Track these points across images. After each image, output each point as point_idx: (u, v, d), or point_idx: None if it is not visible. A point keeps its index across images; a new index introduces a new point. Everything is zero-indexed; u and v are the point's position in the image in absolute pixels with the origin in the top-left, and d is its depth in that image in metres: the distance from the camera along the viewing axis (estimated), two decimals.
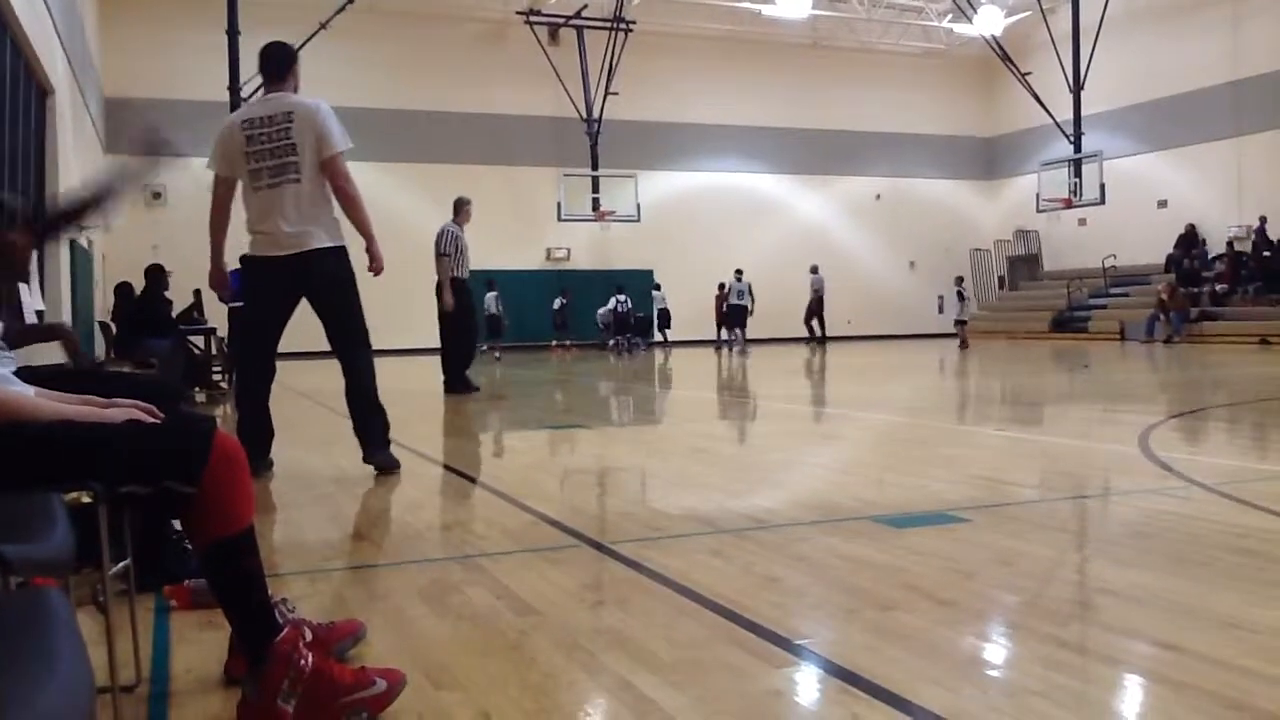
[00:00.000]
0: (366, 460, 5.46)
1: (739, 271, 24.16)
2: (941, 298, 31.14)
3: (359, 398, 5.53)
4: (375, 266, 5.49)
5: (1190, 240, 25.06)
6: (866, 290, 29.90)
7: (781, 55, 29.22)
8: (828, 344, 25.30)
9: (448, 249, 10.95)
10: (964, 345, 21.99)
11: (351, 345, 5.52)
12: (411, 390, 11.66)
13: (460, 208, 11.24)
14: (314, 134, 5.23)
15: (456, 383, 11.21)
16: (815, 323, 25.82)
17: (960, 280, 24.28)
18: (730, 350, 22.06)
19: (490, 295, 23.16)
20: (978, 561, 3.37)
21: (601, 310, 25.40)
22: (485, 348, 22.67)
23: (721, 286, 26.26)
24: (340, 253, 5.38)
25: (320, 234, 5.29)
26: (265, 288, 5.36)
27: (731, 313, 23.90)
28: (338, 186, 5.30)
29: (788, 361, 18.70)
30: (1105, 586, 3.14)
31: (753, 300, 23.98)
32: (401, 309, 16.43)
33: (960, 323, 22.83)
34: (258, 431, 5.43)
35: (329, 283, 5.37)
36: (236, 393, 5.52)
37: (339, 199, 5.33)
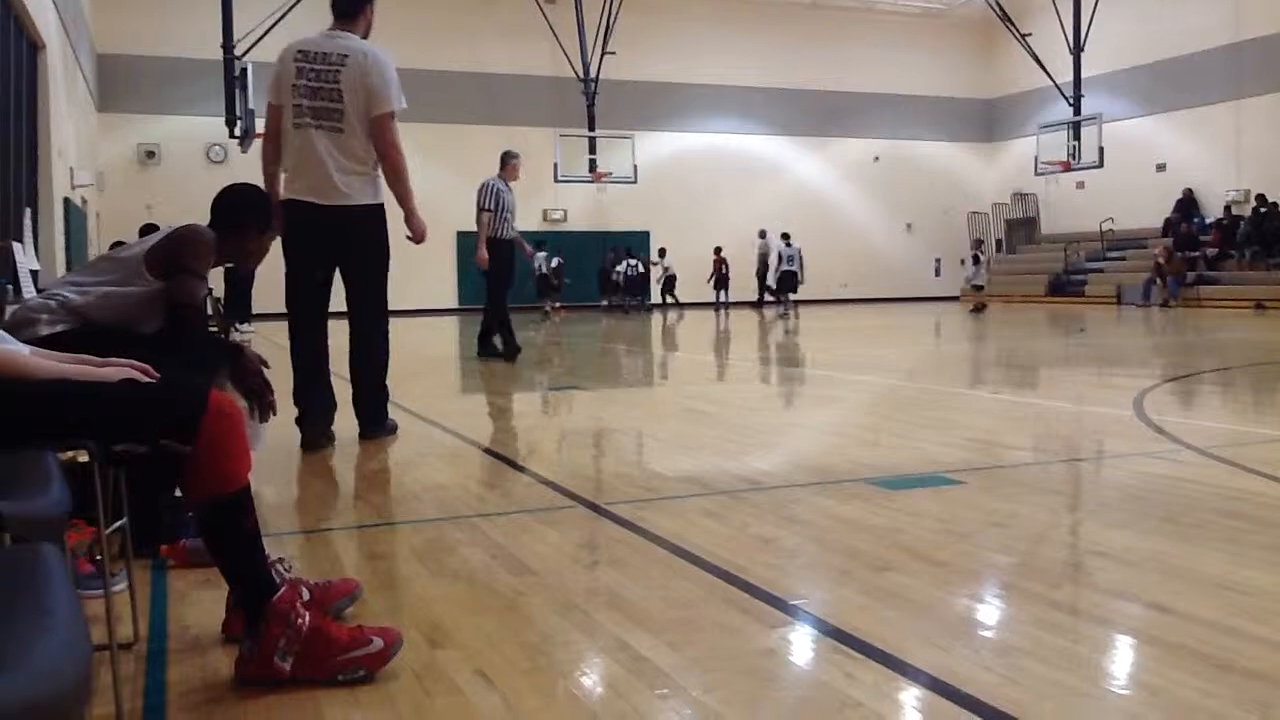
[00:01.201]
0: (364, 438, 5.24)
1: (786, 235, 22.96)
2: (939, 260, 31.09)
3: (367, 371, 5.27)
4: (417, 237, 5.24)
5: (1189, 204, 25.00)
6: (863, 253, 29.86)
7: (780, 15, 28.98)
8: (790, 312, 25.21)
9: (488, 204, 10.12)
10: (979, 309, 21.30)
11: (372, 314, 5.24)
12: (405, 351, 11.65)
13: (506, 162, 10.45)
14: (365, 87, 4.93)
15: (482, 345, 10.69)
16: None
17: (979, 244, 23.86)
18: (781, 316, 20.66)
19: (540, 255, 22.99)
20: (971, 523, 3.39)
21: (619, 270, 25.26)
22: (549, 308, 22.78)
23: (718, 250, 26.17)
24: (380, 213, 5.10)
25: (364, 190, 5.02)
26: (308, 237, 5.04)
27: (783, 280, 22.48)
28: (383, 152, 5.03)
29: (786, 323, 18.70)
30: (1097, 548, 3.16)
31: (803, 267, 22.78)
32: (399, 269, 16.32)
33: (977, 287, 22.31)
34: (314, 399, 5.11)
35: (365, 243, 5.10)
36: (292, 362, 5.14)
37: (382, 162, 5.06)
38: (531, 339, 14.17)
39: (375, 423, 5.29)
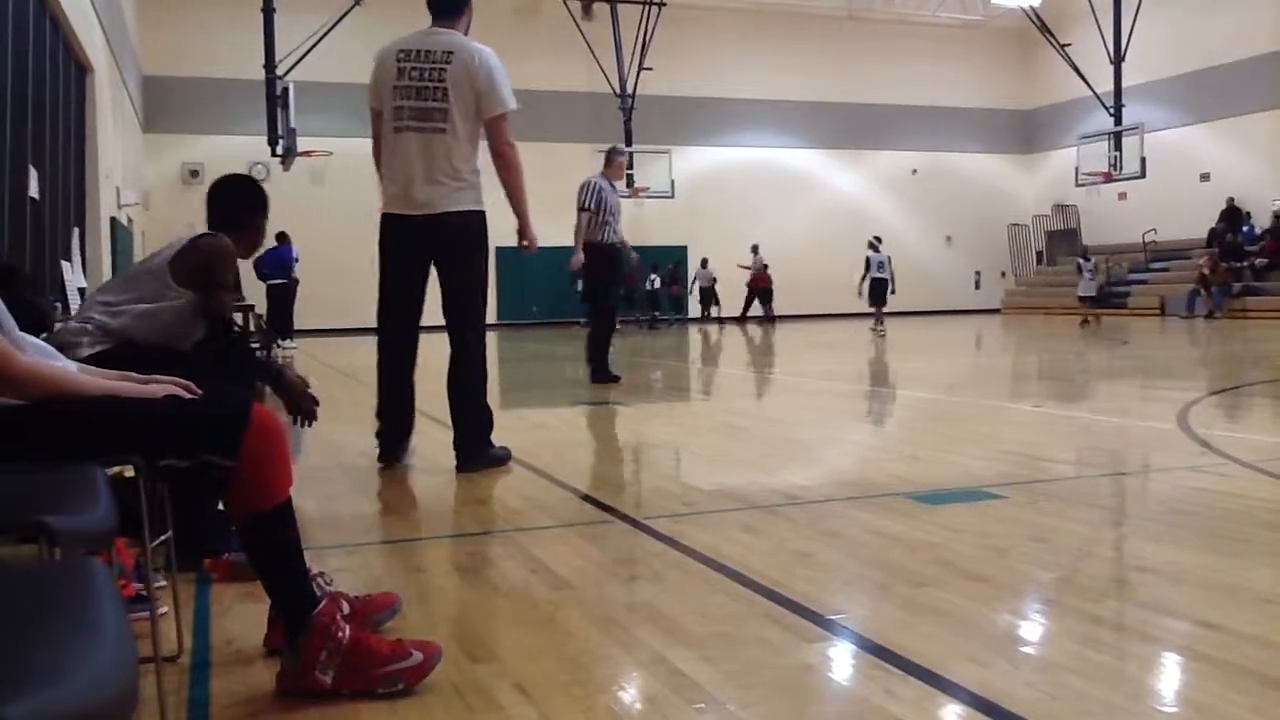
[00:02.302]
0: (463, 470, 4.83)
1: (877, 240, 20.78)
2: (979, 273, 30.84)
3: (459, 390, 4.95)
4: (529, 246, 5.05)
5: (1233, 215, 24.63)
6: (902, 266, 29.46)
7: (816, 28, 28.94)
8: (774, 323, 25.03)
9: (587, 203, 9.16)
10: (1086, 322, 20.30)
11: (463, 325, 4.92)
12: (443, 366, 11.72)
13: (611, 159, 9.57)
14: (473, 86, 4.70)
15: (597, 369, 9.33)
16: (758, 302, 25.81)
17: (1086, 250, 22.96)
18: (875, 331, 18.64)
19: (653, 276, 22.92)
20: (1012, 538, 3.35)
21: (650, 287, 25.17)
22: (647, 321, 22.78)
23: (764, 265, 26.03)
24: (479, 219, 4.85)
25: (460, 195, 4.75)
26: (395, 251, 4.85)
27: (874, 288, 19.66)
28: (499, 151, 4.80)
29: (821, 337, 18.62)
30: (1141, 563, 3.12)
31: (893, 277, 20.15)
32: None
33: (1085, 299, 21.24)
34: (395, 415, 4.95)
35: (459, 249, 4.81)
36: (377, 372, 5.01)
37: (497, 164, 4.83)
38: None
39: (471, 454, 4.89)
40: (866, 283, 19.43)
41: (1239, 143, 25.01)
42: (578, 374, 11.58)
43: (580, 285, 23.15)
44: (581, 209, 9.22)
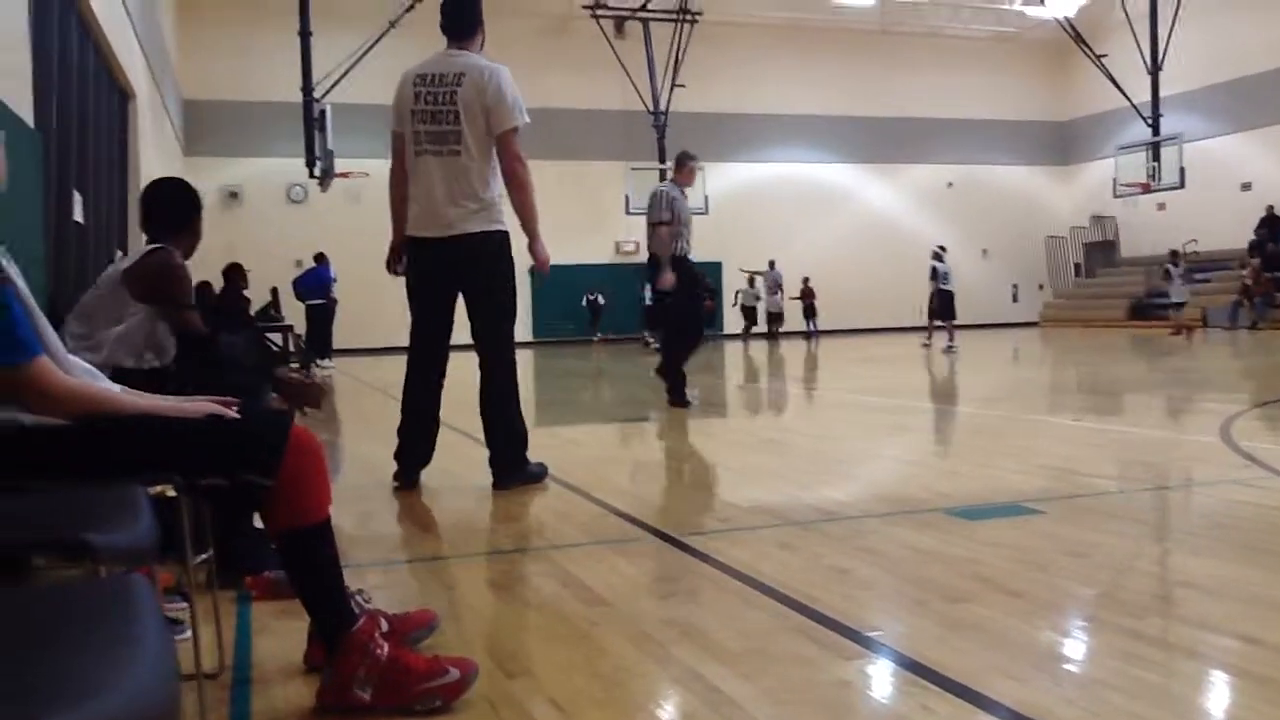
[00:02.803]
0: (499, 488, 4.85)
1: (941, 249, 19.05)
2: (1015, 286, 30.59)
3: (491, 408, 4.96)
4: (541, 266, 4.96)
5: (1273, 223, 24.29)
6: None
7: (849, 42, 28.92)
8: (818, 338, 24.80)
9: (664, 214, 8.39)
10: (1178, 332, 19.19)
11: (491, 346, 4.95)
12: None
13: (683, 164, 8.92)
14: (483, 103, 4.71)
15: (675, 391, 8.52)
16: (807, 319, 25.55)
17: (1175, 255, 21.06)
18: (946, 349, 17.10)
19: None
20: (1051, 553, 3.32)
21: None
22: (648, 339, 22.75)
23: (805, 280, 25.77)
24: (502, 239, 4.83)
25: (480, 216, 4.74)
26: (422, 273, 4.88)
27: (942, 301, 18.00)
28: (508, 166, 4.78)
29: (857, 352, 18.54)
30: (1183, 578, 3.08)
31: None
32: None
33: (1176, 306, 19.97)
34: (414, 438, 4.96)
35: (483, 269, 4.82)
36: (402, 395, 5.07)
37: (506, 180, 4.82)
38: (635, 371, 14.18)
39: (508, 472, 4.89)
40: (934, 295, 17.94)
41: (1277, 151, 24.67)
42: (616, 391, 11.60)
43: (647, 300, 23.10)
44: (659, 222, 8.42)
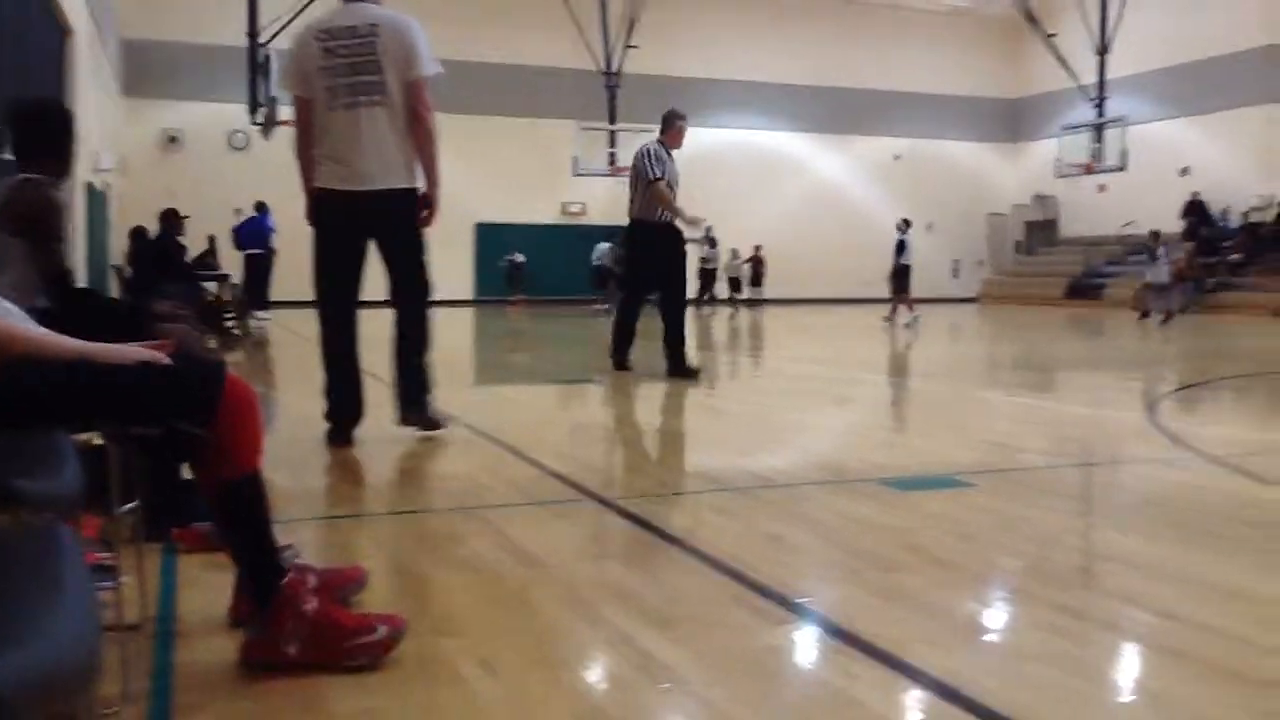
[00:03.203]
0: (404, 422, 4.99)
1: (905, 222, 18.90)
2: (957, 262, 30.93)
3: (408, 354, 5.01)
4: (430, 215, 4.91)
5: (1198, 209, 24.74)
6: (883, 252, 29.65)
7: (805, 11, 28.87)
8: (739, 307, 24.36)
9: (659, 171, 8.03)
10: (1150, 315, 18.00)
11: (413, 297, 5.01)
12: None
13: (670, 123, 8.47)
14: (403, 52, 4.70)
15: (675, 363, 8.00)
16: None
17: (1156, 236, 19.53)
18: (901, 322, 16.98)
19: (603, 246, 22.09)
20: (981, 526, 3.38)
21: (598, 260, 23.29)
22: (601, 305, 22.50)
23: (757, 248, 25.61)
24: (415, 196, 4.85)
25: (402, 171, 4.77)
26: (338, 226, 4.83)
27: (898, 275, 17.92)
28: (417, 114, 4.77)
29: (799, 321, 18.66)
30: (1108, 553, 3.15)
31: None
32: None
33: (1156, 287, 18.64)
34: (345, 397, 4.92)
35: (399, 227, 4.86)
36: (322, 352, 5.00)
37: (413, 129, 4.79)
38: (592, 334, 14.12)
39: (415, 405, 5.03)
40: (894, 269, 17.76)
41: (1220, 138, 25.14)
42: (555, 353, 11.56)
43: (595, 261, 22.66)
44: (655, 179, 8.02)
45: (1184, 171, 25.59)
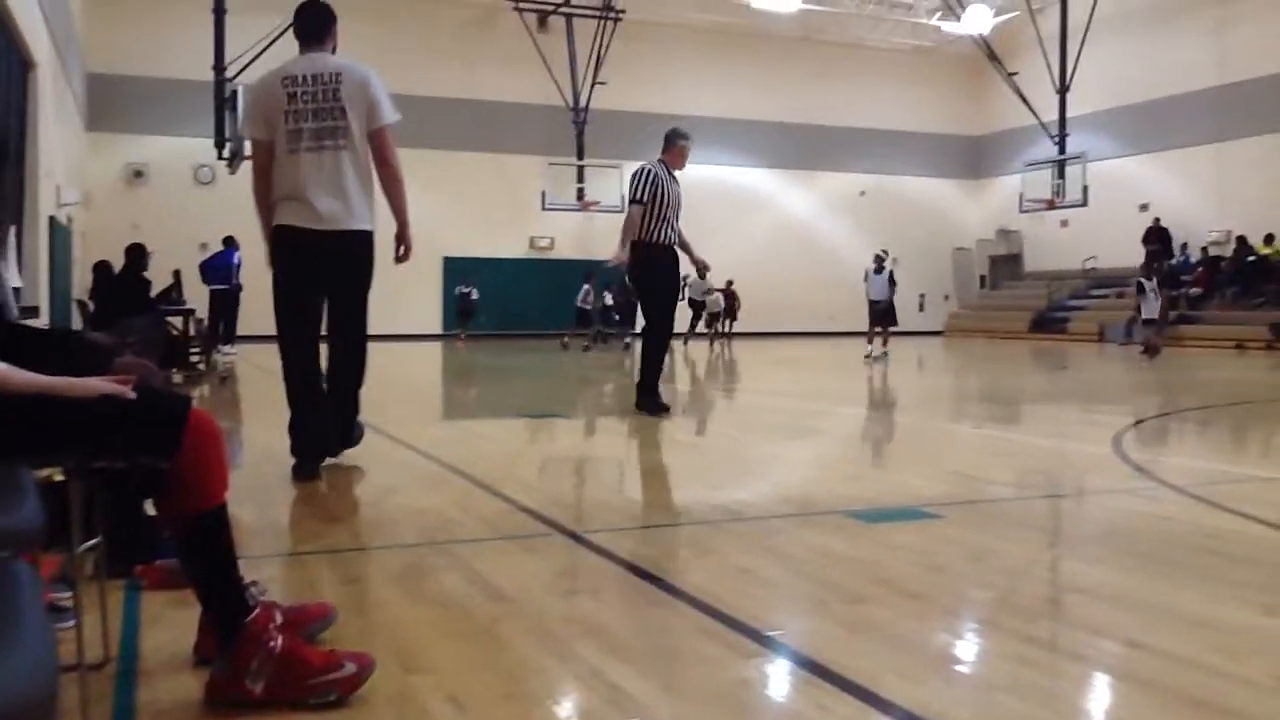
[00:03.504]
0: (333, 455, 5.15)
1: (883, 256, 18.26)
2: (923, 296, 31.20)
3: (347, 387, 5.16)
4: (405, 254, 5.10)
5: (1160, 235, 25.13)
6: (847, 286, 29.90)
7: (770, 49, 29.19)
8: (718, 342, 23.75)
9: (641, 194, 7.84)
10: (1149, 351, 17.20)
11: (352, 338, 5.14)
12: (388, 376, 11.62)
13: (672, 142, 8.24)
14: (365, 100, 4.89)
15: (646, 397, 7.82)
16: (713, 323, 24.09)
17: (1153, 266, 18.91)
18: (875, 353, 16.89)
19: (586, 288, 21.96)
20: (949, 557, 3.39)
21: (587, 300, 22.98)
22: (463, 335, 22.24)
23: (729, 283, 25.31)
24: (371, 239, 5.02)
25: (361, 213, 4.92)
26: (298, 263, 4.93)
27: (875, 312, 17.35)
28: (384, 160, 4.98)
29: (771, 355, 18.73)
30: (1075, 584, 3.17)
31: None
32: (387, 294, 16.23)
33: (1151, 323, 17.96)
34: (311, 431, 4.99)
35: (354, 268, 5.00)
36: (287, 389, 5.06)
37: (382, 174, 4.99)
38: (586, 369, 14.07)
39: (345, 442, 5.22)
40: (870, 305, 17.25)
41: (1177, 175, 25.61)
42: (523, 386, 11.53)
43: (606, 298, 22.22)
44: (634, 200, 7.84)
45: (1144, 207, 26.02)
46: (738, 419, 8.66)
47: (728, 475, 5.31)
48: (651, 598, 2.93)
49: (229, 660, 2.11)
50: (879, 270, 17.46)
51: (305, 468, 4.91)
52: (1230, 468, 5.80)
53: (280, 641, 2.13)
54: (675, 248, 7.93)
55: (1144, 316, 18.38)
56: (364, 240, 4.98)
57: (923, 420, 8.22)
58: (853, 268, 30.31)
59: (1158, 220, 25.27)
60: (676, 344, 22.24)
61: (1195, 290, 23.51)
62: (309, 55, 5.00)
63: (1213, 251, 24.16)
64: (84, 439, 1.98)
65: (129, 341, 3.38)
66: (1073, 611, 2.87)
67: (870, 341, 17.35)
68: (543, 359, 16.97)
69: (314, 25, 5.07)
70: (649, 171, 7.87)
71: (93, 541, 2.39)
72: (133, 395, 2.09)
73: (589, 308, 22.28)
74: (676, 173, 8.08)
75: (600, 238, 27.45)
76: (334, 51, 5.10)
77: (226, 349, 15.99)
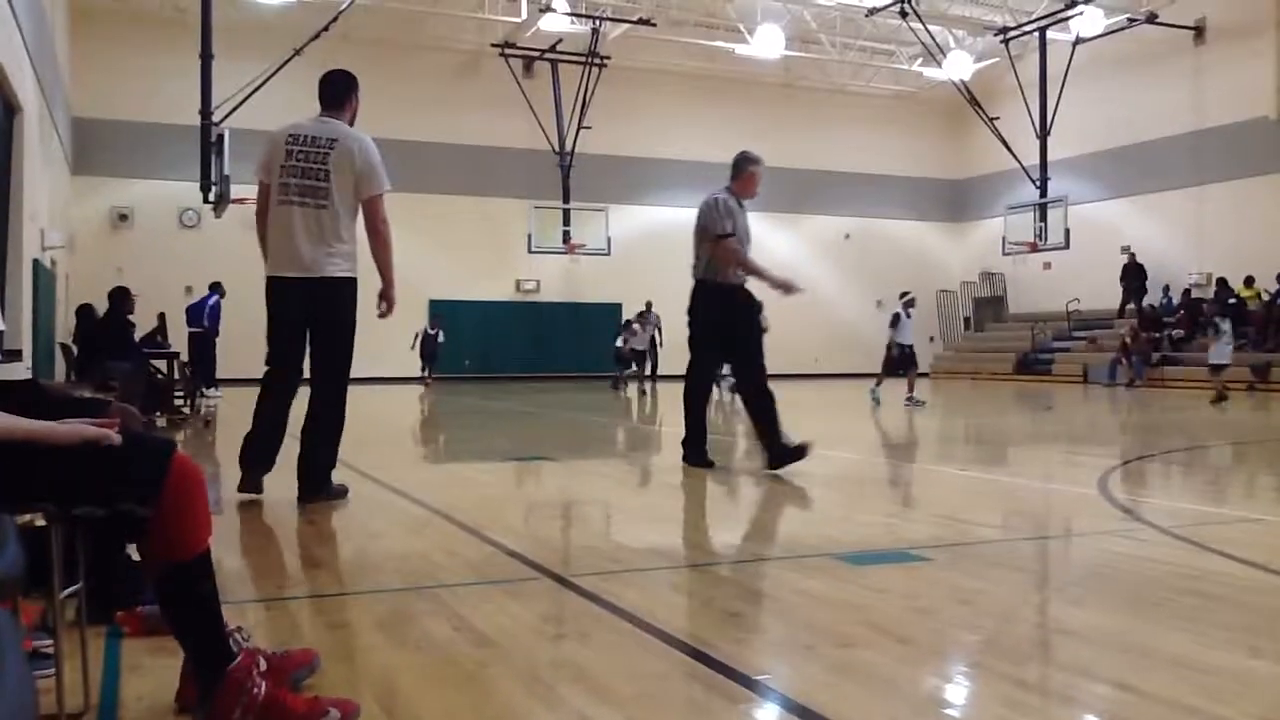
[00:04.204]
0: (302, 502, 5.28)
1: (906, 297, 17.19)
2: None
3: (323, 434, 5.40)
4: (388, 310, 5.49)
5: (1137, 271, 25.36)
6: (833, 329, 30.07)
7: (754, 94, 29.48)
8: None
9: (727, 226, 6.89)
10: (1221, 398, 15.59)
11: (333, 382, 5.46)
12: (372, 419, 11.57)
13: (743, 169, 7.21)
14: (353, 170, 5.30)
15: (775, 448, 6.97)
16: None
17: (1223, 310, 17.69)
18: (916, 401, 15.93)
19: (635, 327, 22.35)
20: (937, 600, 3.38)
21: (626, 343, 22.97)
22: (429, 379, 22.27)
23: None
24: (353, 285, 5.40)
25: (339, 262, 5.31)
26: (284, 308, 5.38)
27: (902, 358, 16.45)
28: (373, 228, 5.38)
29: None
30: (1062, 626, 3.16)
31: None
32: (372, 337, 16.18)
33: (1216, 368, 16.31)
34: (260, 444, 5.38)
35: (335, 313, 5.37)
36: (253, 411, 5.49)
37: (371, 237, 5.39)
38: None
39: (314, 487, 5.37)
40: (893, 351, 16.26)
41: (1157, 218, 25.87)
42: (510, 430, 11.49)
43: (618, 343, 22.29)
44: (723, 234, 6.87)
45: (1125, 249, 26.26)
46: (724, 461, 8.64)
47: (712, 518, 5.29)
48: (639, 642, 2.91)
49: (211, 708, 2.08)
50: (909, 314, 16.38)
51: (247, 480, 5.35)
52: (1215, 509, 5.81)
53: (263, 689, 2.10)
54: (747, 284, 7.16)
55: (1212, 361, 16.44)
56: (344, 286, 5.35)
57: (908, 462, 8.23)
58: (839, 310, 30.54)
59: (1133, 256, 25.54)
60: (640, 386, 22.26)
61: (1178, 332, 23.69)
62: (321, 118, 5.46)
63: (1195, 294, 24.37)
64: (66, 485, 1.96)
65: (111, 385, 3.38)
66: (1061, 654, 2.86)
67: (880, 384, 16.68)
68: (526, 401, 16.94)
69: (331, 92, 5.52)
70: (723, 202, 6.99)
71: (74, 587, 2.36)
72: (118, 440, 2.08)
73: (622, 349, 22.72)
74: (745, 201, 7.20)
75: (586, 281, 27.57)
76: (353, 117, 5.54)
77: (211, 392, 15.93)
